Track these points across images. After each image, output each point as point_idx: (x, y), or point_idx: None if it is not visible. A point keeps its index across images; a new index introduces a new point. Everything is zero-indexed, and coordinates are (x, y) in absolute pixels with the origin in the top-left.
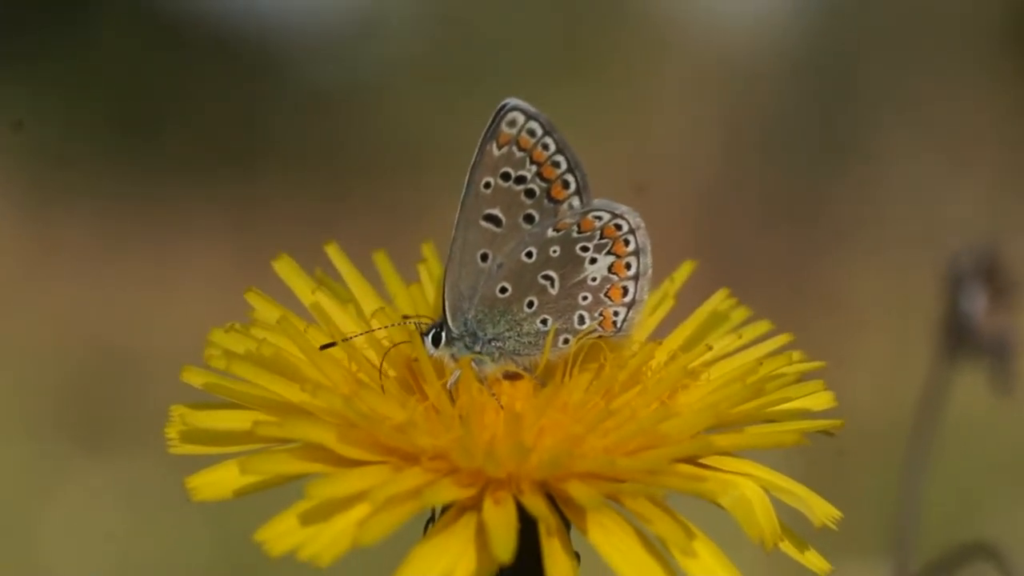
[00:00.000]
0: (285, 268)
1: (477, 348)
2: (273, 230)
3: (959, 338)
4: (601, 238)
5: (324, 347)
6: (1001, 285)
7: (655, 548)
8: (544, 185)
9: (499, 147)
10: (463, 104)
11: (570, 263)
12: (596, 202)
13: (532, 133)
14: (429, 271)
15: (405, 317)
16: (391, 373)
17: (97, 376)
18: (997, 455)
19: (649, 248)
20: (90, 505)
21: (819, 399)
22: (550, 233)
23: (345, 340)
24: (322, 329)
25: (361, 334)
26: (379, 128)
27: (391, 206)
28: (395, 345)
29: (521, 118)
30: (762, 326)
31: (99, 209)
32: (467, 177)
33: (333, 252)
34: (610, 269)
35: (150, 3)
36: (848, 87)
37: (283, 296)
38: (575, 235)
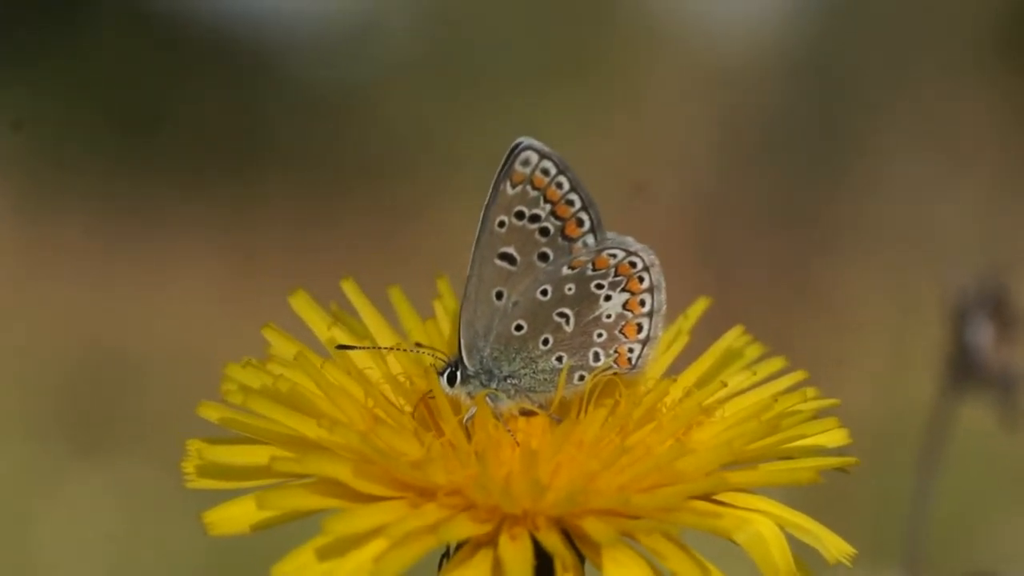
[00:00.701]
0: (301, 303)
1: (493, 385)
2: (271, 230)
3: (965, 371)
4: (616, 275)
5: (341, 347)
6: (1008, 318)
7: None
8: (558, 223)
9: (513, 186)
10: (462, 105)
11: (585, 300)
12: (610, 240)
13: (546, 172)
14: (444, 306)
15: (418, 345)
16: (407, 409)
17: (95, 377)
18: (1001, 483)
19: (664, 285)
20: (87, 506)
21: (833, 436)
22: (565, 271)
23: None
24: (338, 364)
25: (371, 346)
26: (377, 129)
27: (389, 206)
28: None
29: (535, 157)
30: (776, 363)
31: (96, 210)
32: (481, 215)
33: (349, 288)
34: (625, 306)
35: (148, 4)
36: (846, 87)
37: (287, 313)
38: (589, 273)
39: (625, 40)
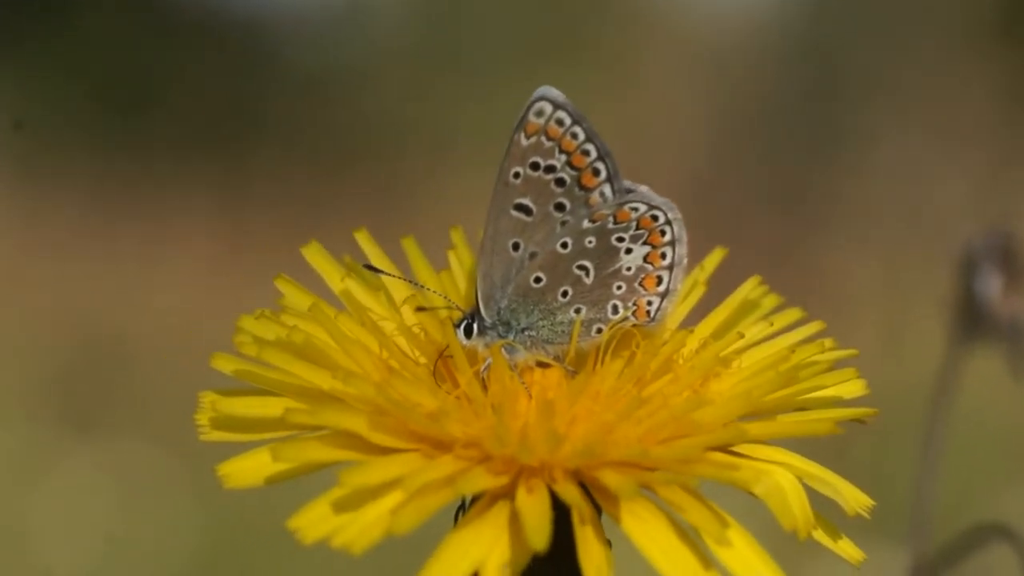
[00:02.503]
0: (314, 254)
1: (510, 337)
2: (262, 211)
3: (974, 322)
4: (637, 229)
5: (368, 267)
6: (1016, 268)
7: (689, 537)
8: (574, 173)
9: (527, 137)
10: (453, 86)
11: (605, 253)
12: (632, 194)
13: (560, 123)
14: (458, 258)
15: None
16: (422, 360)
17: (91, 356)
18: (1008, 437)
19: (685, 238)
20: (84, 484)
21: (852, 387)
22: (585, 224)
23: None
24: (352, 316)
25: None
26: (368, 109)
27: (379, 187)
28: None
29: (549, 108)
30: (793, 313)
31: (90, 191)
32: (499, 167)
33: (363, 239)
34: (645, 259)
35: None
36: (839, 72)
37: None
38: (611, 226)
39: (619, 22)
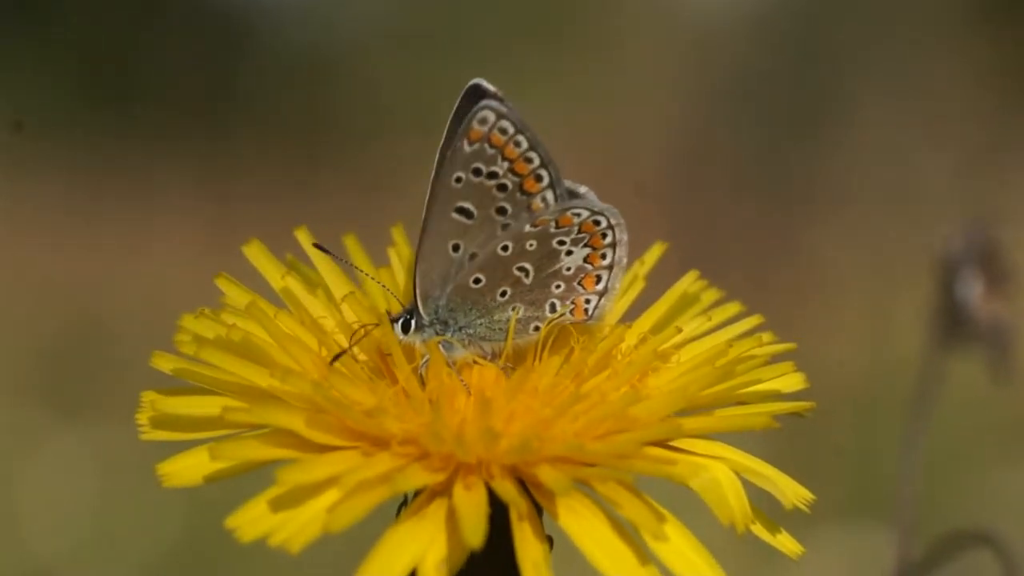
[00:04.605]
0: (255, 252)
1: (448, 335)
2: (246, 196)
3: (954, 325)
4: (579, 232)
5: (317, 246)
6: (997, 272)
7: (626, 532)
8: (516, 179)
9: (470, 144)
10: (438, 69)
11: (546, 256)
12: (575, 200)
13: (503, 131)
14: (399, 254)
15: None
16: (361, 358)
17: (74, 340)
18: (987, 438)
19: (626, 240)
20: (67, 468)
21: (789, 380)
22: (527, 228)
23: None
24: (292, 314)
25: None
26: (353, 94)
27: (365, 172)
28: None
29: (492, 116)
30: (732, 308)
31: (72, 175)
32: (435, 170)
33: (303, 237)
34: (585, 260)
35: None
36: (820, 55)
37: (253, 272)
38: (552, 230)
39: (601, 7)
